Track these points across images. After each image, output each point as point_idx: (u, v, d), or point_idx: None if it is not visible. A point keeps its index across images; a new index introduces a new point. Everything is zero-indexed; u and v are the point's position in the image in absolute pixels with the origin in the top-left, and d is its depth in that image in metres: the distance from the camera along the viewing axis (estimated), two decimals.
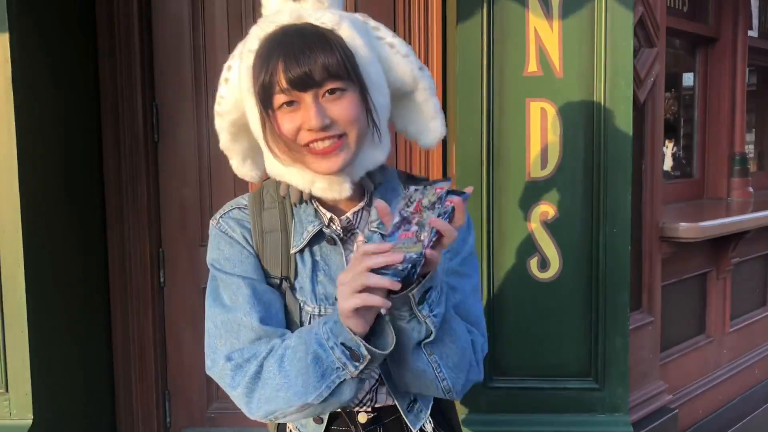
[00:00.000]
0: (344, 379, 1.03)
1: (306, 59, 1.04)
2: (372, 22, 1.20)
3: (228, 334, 1.12)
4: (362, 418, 1.21)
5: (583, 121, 2.10)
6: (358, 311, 0.98)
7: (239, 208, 1.23)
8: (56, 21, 2.40)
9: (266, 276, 1.18)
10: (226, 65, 1.20)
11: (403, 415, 1.21)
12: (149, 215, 2.73)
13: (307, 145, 1.09)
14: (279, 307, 1.17)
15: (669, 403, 2.87)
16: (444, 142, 2.57)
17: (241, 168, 1.28)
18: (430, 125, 1.26)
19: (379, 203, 1.04)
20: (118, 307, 2.74)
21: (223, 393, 3.11)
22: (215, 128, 1.24)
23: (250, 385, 1.08)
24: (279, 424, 1.27)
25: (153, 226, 2.76)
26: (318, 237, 1.18)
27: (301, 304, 1.17)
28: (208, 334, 1.15)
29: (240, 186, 2.62)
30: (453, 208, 0.98)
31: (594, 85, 2.09)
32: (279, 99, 1.07)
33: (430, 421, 1.25)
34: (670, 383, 2.94)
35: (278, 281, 1.18)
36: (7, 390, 2.18)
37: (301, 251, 1.18)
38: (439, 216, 0.97)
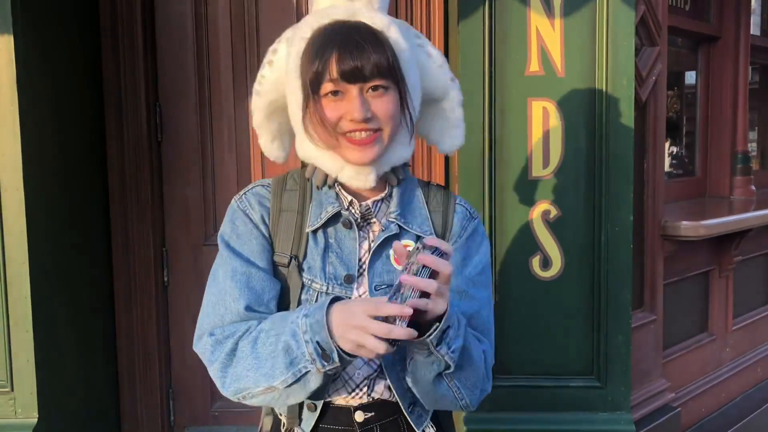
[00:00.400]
0: (310, 370, 1.06)
1: (359, 54, 1.10)
2: (413, 30, 1.27)
3: (215, 314, 1.18)
4: (359, 417, 1.21)
5: (585, 120, 2.10)
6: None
7: (263, 186, 1.28)
8: (60, 21, 2.41)
9: (276, 254, 1.22)
10: (271, 49, 1.27)
11: (406, 414, 1.22)
12: (153, 215, 2.74)
13: (345, 133, 1.15)
14: (273, 294, 1.20)
15: (671, 402, 2.87)
16: None
17: (269, 147, 1.34)
18: (452, 133, 1.33)
19: (396, 245, 1.09)
20: (122, 307, 2.75)
21: None
22: (251, 107, 1.30)
23: (226, 361, 1.13)
24: (274, 419, 1.28)
25: (156, 225, 2.77)
26: (334, 219, 1.22)
27: (308, 282, 1.20)
28: (201, 311, 1.21)
29: (243, 185, 2.63)
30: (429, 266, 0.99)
31: (595, 85, 2.09)
32: (327, 87, 1.13)
33: (432, 426, 1.26)
34: (672, 381, 2.94)
35: (287, 259, 1.21)
36: (12, 389, 2.19)
37: (315, 231, 1.22)
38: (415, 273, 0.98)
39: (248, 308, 1.16)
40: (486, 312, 1.27)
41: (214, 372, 1.16)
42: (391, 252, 1.22)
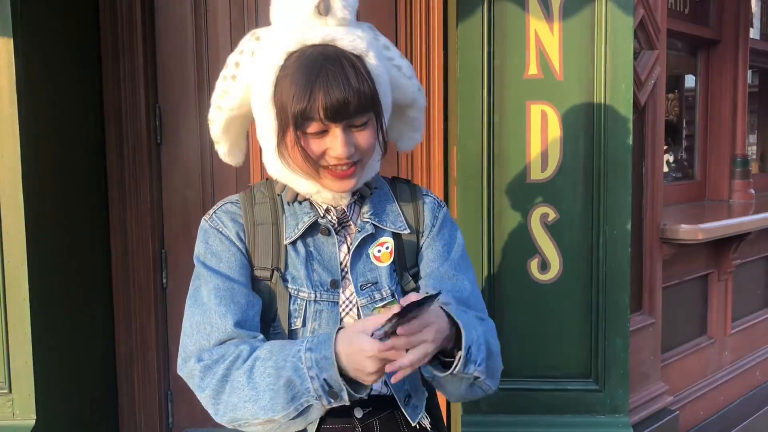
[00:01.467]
0: (313, 405, 1.06)
1: (345, 94, 1.07)
2: (382, 39, 1.23)
3: (199, 335, 1.15)
4: (358, 412, 1.22)
5: (584, 124, 2.11)
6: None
7: (231, 203, 1.27)
8: (60, 24, 2.42)
9: (256, 268, 1.21)
10: (232, 61, 1.23)
11: (402, 408, 1.24)
12: (152, 217, 2.74)
13: (326, 167, 1.14)
14: (257, 310, 1.19)
15: (670, 405, 2.87)
16: (445, 144, 2.58)
17: (229, 156, 1.33)
18: (412, 135, 1.37)
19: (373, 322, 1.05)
20: (120, 308, 2.76)
21: None
22: (209, 117, 1.28)
23: (217, 388, 1.11)
24: None
25: (156, 227, 2.77)
26: (311, 228, 1.23)
27: (294, 292, 1.20)
28: (183, 333, 1.19)
29: (242, 187, 2.63)
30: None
31: (594, 88, 2.09)
32: (314, 127, 1.11)
33: (426, 417, 1.28)
34: (671, 385, 2.94)
35: (269, 272, 1.21)
36: (10, 390, 2.19)
37: (295, 242, 1.22)
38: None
39: (237, 324, 1.15)
40: (476, 290, 1.30)
41: (205, 399, 1.13)
42: (370, 251, 1.24)
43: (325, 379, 1.03)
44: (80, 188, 2.55)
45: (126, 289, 2.75)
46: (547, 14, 2.08)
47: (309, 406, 1.06)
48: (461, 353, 1.06)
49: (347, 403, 1.06)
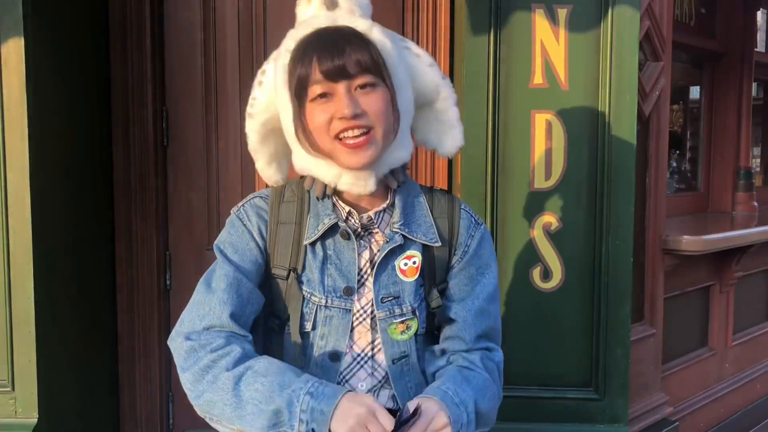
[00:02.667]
0: None
1: (340, 52, 1.10)
2: (397, 34, 1.26)
3: (196, 313, 1.17)
4: None
5: (588, 134, 2.12)
6: None
7: (261, 197, 1.27)
8: (70, 24, 2.44)
9: (274, 267, 1.22)
10: (260, 70, 1.27)
11: None
12: (157, 218, 2.75)
13: (338, 137, 1.13)
14: (254, 309, 1.20)
15: (670, 416, 2.87)
16: None
17: (267, 170, 1.33)
18: (450, 134, 1.29)
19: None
20: (124, 309, 2.76)
21: None
22: (245, 130, 1.29)
23: (198, 376, 1.12)
24: None
25: (160, 229, 2.78)
26: (332, 230, 1.21)
27: (307, 296, 1.20)
28: (186, 306, 1.21)
29: (247, 191, 2.65)
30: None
31: (599, 98, 2.10)
32: (314, 90, 1.12)
33: None
34: (671, 395, 2.94)
35: (285, 272, 1.21)
36: (13, 389, 2.20)
37: (314, 243, 1.21)
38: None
39: (232, 316, 1.15)
40: (499, 322, 1.30)
41: (184, 380, 1.15)
42: (397, 263, 1.21)
43: (313, 429, 1.03)
44: (86, 188, 2.57)
45: (130, 289, 2.76)
46: (554, 24, 2.09)
47: None
48: None
49: None
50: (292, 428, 1.04)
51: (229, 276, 1.18)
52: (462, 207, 1.30)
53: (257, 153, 1.31)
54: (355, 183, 1.18)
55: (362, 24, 1.16)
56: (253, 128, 1.28)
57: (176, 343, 1.17)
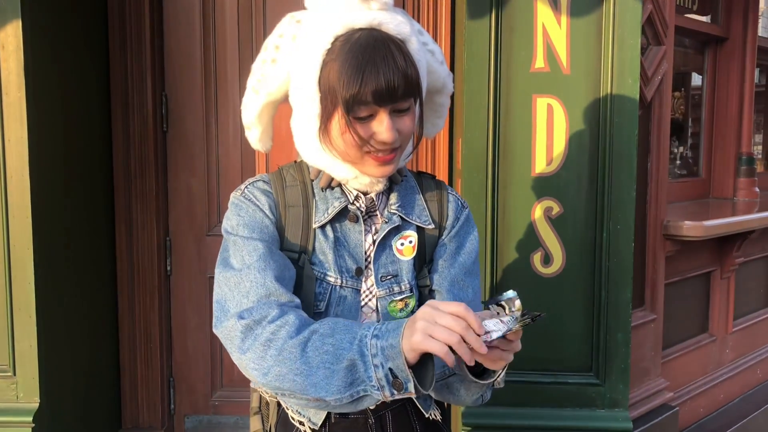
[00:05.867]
0: (369, 394, 1.03)
1: (395, 77, 1.07)
2: (416, 24, 1.22)
3: (239, 294, 1.11)
4: None
5: (589, 118, 2.11)
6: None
7: (263, 181, 1.25)
8: (68, 9, 2.42)
9: (284, 249, 1.20)
10: (272, 44, 1.20)
11: (414, 400, 1.25)
12: (157, 204, 2.76)
13: (369, 152, 1.13)
14: (291, 275, 1.17)
15: (670, 401, 2.88)
16: (450, 136, 2.58)
17: (259, 140, 1.30)
18: (437, 122, 1.36)
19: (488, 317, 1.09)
20: (124, 294, 2.77)
21: (228, 381, 3.11)
22: (243, 101, 1.25)
23: (262, 353, 1.06)
24: (279, 412, 1.29)
25: (160, 215, 2.78)
26: (341, 214, 1.22)
27: (320, 276, 1.20)
28: (217, 297, 1.14)
29: (247, 176, 2.64)
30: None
31: (601, 82, 2.09)
32: (363, 111, 1.09)
33: (437, 409, 1.31)
34: (671, 381, 2.95)
35: (297, 254, 1.20)
36: (14, 373, 2.21)
37: (323, 226, 1.21)
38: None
39: (277, 279, 1.12)
40: (478, 299, 1.31)
41: (245, 361, 1.08)
42: (394, 243, 1.24)
43: (390, 369, 0.98)
44: (86, 174, 2.57)
45: (130, 275, 2.77)
46: (555, 7, 2.08)
47: (365, 396, 1.02)
48: (502, 372, 1.09)
49: (413, 395, 0.99)
50: (370, 379, 0.99)
51: (258, 248, 1.14)
52: (449, 191, 1.33)
53: (252, 127, 1.28)
54: (369, 185, 1.21)
55: (404, 30, 1.12)
56: (253, 103, 1.24)
57: (227, 326, 1.10)
